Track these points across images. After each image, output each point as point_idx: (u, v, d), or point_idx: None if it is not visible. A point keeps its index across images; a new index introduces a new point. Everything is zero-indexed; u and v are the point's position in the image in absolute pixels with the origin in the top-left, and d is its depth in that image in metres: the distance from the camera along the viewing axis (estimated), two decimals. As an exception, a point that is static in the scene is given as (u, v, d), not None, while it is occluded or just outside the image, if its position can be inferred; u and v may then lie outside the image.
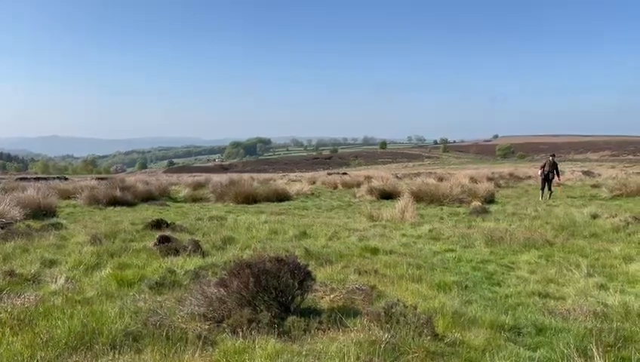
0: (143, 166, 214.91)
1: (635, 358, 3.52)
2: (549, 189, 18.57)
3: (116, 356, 3.54)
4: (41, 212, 12.28)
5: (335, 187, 25.81)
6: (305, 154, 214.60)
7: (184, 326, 4.10)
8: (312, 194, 21.61)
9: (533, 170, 36.77)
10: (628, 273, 6.27)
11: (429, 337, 3.80)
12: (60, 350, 3.58)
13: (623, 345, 3.86)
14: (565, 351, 3.65)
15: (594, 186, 23.56)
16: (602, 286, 5.61)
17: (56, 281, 5.40)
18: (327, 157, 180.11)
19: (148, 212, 13.98)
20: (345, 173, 41.95)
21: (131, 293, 5.06)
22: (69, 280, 5.52)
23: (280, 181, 29.32)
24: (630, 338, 4.01)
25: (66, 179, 33.72)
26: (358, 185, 23.57)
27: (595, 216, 11.30)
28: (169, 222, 10.26)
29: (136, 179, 27.44)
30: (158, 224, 9.84)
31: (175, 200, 19.20)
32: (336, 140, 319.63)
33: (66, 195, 18.02)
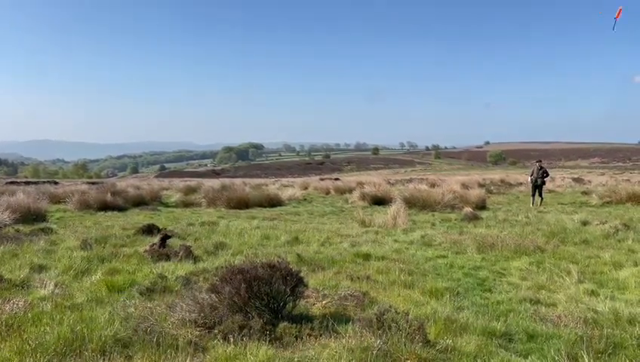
0: (135, 170, 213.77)
1: (625, 365, 3.54)
2: (540, 196, 18.68)
3: (106, 362, 3.51)
4: (30, 216, 12.15)
5: (327, 192, 25.80)
6: (297, 159, 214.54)
7: (175, 332, 4.07)
8: (305, 199, 21.60)
9: (524, 177, 37.01)
10: (618, 279, 6.31)
11: (420, 343, 3.79)
12: (48, 356, 3.54)
13: (614, 352, 3.88)
14: (556, 357, 3.67)
15: (584, 193, 23.73)
16: (593, 293, 5.65)
17: (45, 287, 5.35)
18: (320, 162, 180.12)
19: (139, 217, 13.90)
20: (337, 179, 41.96)
21: (121, 299, 5.02)
22: (59, 286, 5.46)
23: (272, 186, 29.27)
24: (620, 344, 4.04)
25: (56, 183, 33.45)
26: (351, 190, 23.58)
27: (585, 223, 11.38)
28: (160, 227, 10.20)
29: (127, 184, 27.31)
30: (149, 229, 9.79)
31: (166, 205, 19.10)
32: (329, 146, 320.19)
33: (57, 200, 17.89)
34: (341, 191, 24.91)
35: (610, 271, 6.77)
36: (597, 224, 10.98)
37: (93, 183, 27.79)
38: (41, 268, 6.41)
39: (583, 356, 3.48)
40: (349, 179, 44.41)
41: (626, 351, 3.92)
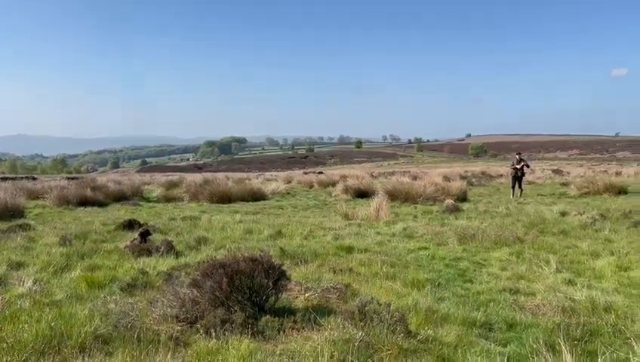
0: (115, 165, 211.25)
1: (601, 351, 3.62)
2: (520, 187, 18.94)
3: (86, 359, 3.47)
4: (8, 213, 11.92)
5: (311, 186, 25.81)
6: (281, 153, 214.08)
7: (156, 327, 4.04)
8: (288, 193, 21.57)
9: (505, 169, 37.48)
10: (595, 268, 6.44)
11: (402, 334, 3.83)
12: (26, 354, 3.49)
13: (590, 339, 3.97)
14: (534, 345, 3.73)
15: (563, 184, 24.13)
16: (570, 282, 5.76)
17: (23, 284, 5.26)
18: (303, 156, 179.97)
19: (120, 212, 13.74)
20: (321, 172, 41.98)
21: (102, 295, 4.96)
22: (37, 283, 5.37)
23: (255, 180, 29.16)
24: (596, 332, 4.13)
25: (34, 178, 32.84)
26: (334, 184, 23.61)
27: (564, 214, 11.58)
28: (141, 222, 10.09)
29: (107, 179, 26.94)
30: (130, 224, 9.68)
31: (148, 200, 18.92)
32: (312, 139, 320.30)
33: (35, 195, 17.56)
34: (324, 185, 24.93)
35: (587, 260, 6.91)
36: (575, 215, 11.17)
37: (72, 178, 27.34)
38: (18, 265, 6.30)
39: (560, 344, 3.54)
40: (332, 172, 44.44)
41: (602, 338, 4.01)
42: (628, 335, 3.90)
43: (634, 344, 3.48)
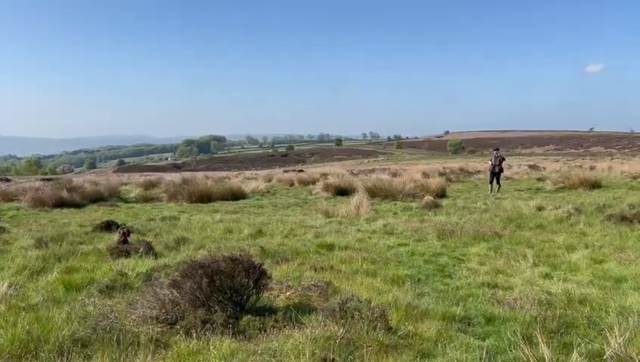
0: (92, 166, 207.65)
1: (577, 343, 3.70)
2: (497, 183, 19.19)
3: (64, 363, 3.42)
4: (-19, 216, 11.66)
5: (291, 184, 25.76)
6: (260, 151, 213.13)
7: (136, 329, 4.00)
8: (268, 192, 21.50)
9: (483, 165, 37.92)
10: (570, 262, 6.58)
11: (382, 330, 3.86)
12: (3, 359, 3.42)
13: (566, 331, 4.06)
14: (512, 338, 3.81)
15: (539, 179, 24.51)
16: (547, 276, 5.88)
17: (-2, 288, 5.15)
18: (284, 154, 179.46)
19: (97, 213, 13.53)
20: (301, 170, 41.88)
21: (80, 298, 4.89)
22: (13, 286, 5.26)
23: (235, 179, 28.96)
24: (572, 323, 4.23)
25: (8, 180, 32.11)
26: (314, 182, 23.60)
27: (540, 208, 11.78)
28: (120, 223, 9.96)
29: (84, 180, 26.50)
30: (108, 225, 9.55)
31: (126, 200, 18.66)
32: (292, 137, 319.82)
33: (9, 197, 17.16)
34: (305, 183, 24.90)
35: (563, 254, 7.05)
36: (551, 209, 11.38)
37: (48, 180, 26.79)
38: (-7, 269, 6.17)
39: (537, 336, 3.61)
40: (312, 170, 44.39)
41: (577, 329, 4.11)
42: (602, 327, 4.00)
43: (608, 335, 3.57)
